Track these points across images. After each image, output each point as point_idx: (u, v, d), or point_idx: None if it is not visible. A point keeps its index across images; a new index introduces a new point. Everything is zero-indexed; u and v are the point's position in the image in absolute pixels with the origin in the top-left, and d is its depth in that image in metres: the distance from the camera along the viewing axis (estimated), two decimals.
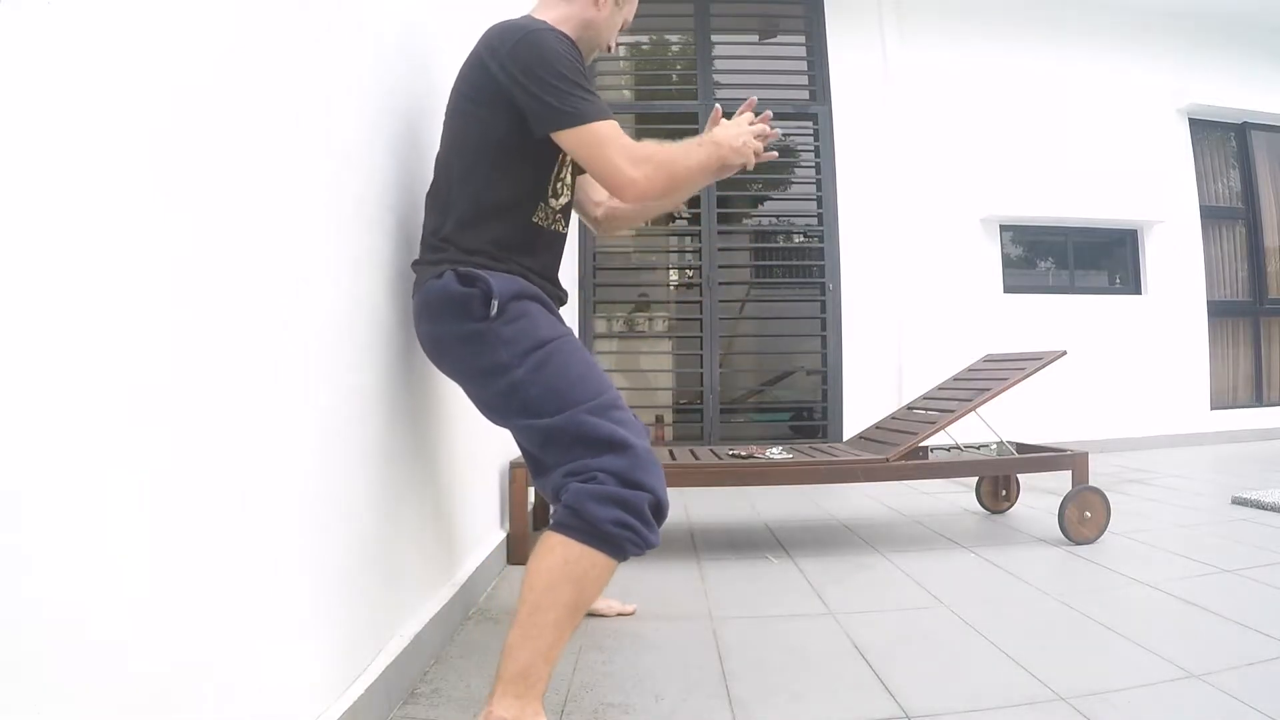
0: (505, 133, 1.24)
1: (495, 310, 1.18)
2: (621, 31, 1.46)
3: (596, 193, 1.61)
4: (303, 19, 0.99)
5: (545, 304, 1.28)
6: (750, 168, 1.35)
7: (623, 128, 1.23)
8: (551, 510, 1.14)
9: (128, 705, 0.65)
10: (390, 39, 1.35)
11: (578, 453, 1.14)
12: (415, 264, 1.31)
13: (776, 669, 1.40)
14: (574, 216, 1.56)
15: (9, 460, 0.54)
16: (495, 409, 1.25)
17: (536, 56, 1.19)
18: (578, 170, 1.44)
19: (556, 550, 1.10)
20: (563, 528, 1.10)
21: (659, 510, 1.15)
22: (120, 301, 0.65)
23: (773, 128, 1.38)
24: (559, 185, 1.34)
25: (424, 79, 1.51)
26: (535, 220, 1.30)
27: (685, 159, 1.27)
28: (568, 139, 1.20)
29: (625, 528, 1.09)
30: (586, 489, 1.10)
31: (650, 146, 1.24)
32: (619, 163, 1.19)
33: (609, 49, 1.45)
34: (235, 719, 0.81)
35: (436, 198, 1.31)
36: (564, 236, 1.43)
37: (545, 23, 1.27)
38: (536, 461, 1.25)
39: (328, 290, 1.07)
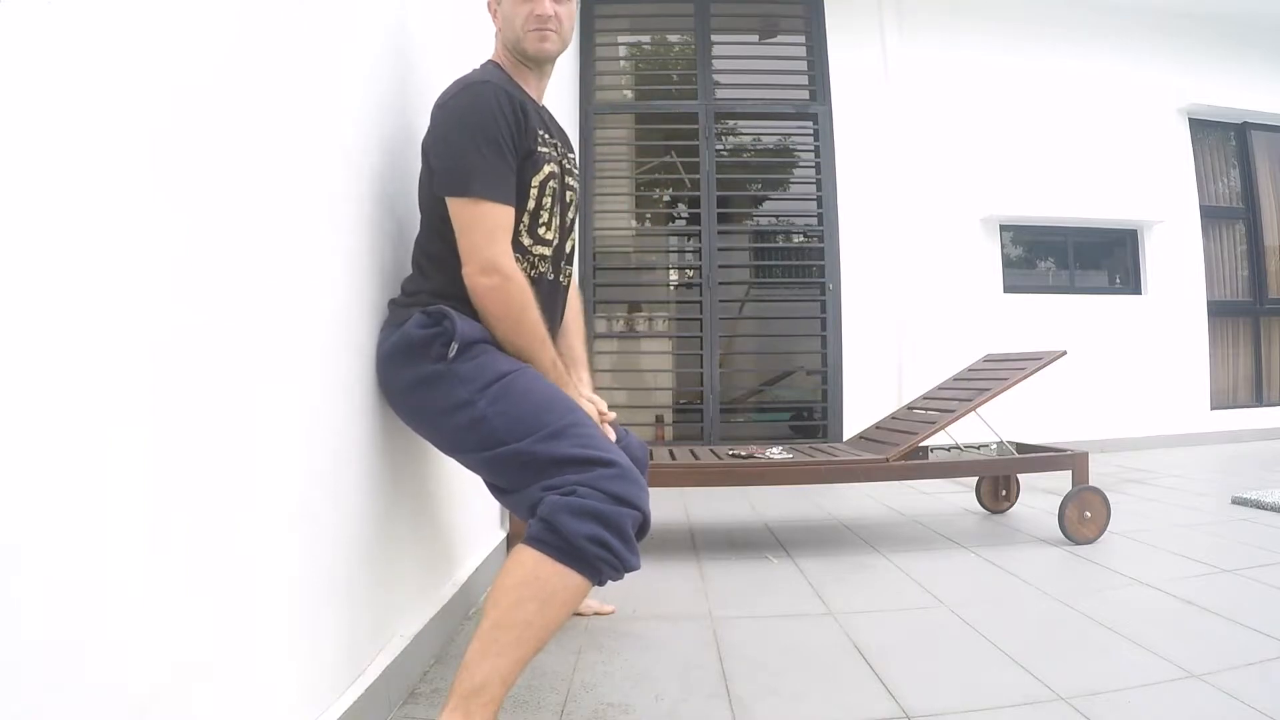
0: None
1: (454, 352, 1.15)
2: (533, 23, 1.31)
3: None
4: (303, 19, 0.99)
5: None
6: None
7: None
8: (527, 525, 1.09)
9: (126, 706, 0.65)
10: (385, 39, 1.35)
11: (558, 471, 1.08)
12: (391, 302, 1.29)
13: (776, 669, 1.40)
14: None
15: (7, 460, 0.54)
16: (459, 446, 1.20)
17: (459, 114, 1.20)
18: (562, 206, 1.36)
19: (526, 565, 1.04)
20: (535, 542, 1.04)
21: (643, 528, 1.10)
22: (120, 301, 0.65)
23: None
24: (539, 229, 1.30)
25: (417, 77, 1.50)
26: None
27: (538, 328, 1.22)
28: (450, 204, 1.19)
29: (602, 545, 1.03)
30: (564, 502, 1.04)
31: (518, 280, 1.19)
32: (479, 247, 1.17)
33: (529, 43, 1.31)
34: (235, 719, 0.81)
35: (414, 250, 1.32)
36: (554, 284, 1.37)
37: (491, 73, 1.28)
38: (504, 492, 1.21)
39: (326, 288, 1.07)
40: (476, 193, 1.17)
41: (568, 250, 1.41)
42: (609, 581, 1.08)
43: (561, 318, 1.45)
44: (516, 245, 1.26)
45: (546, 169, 1.29)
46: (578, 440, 1.11)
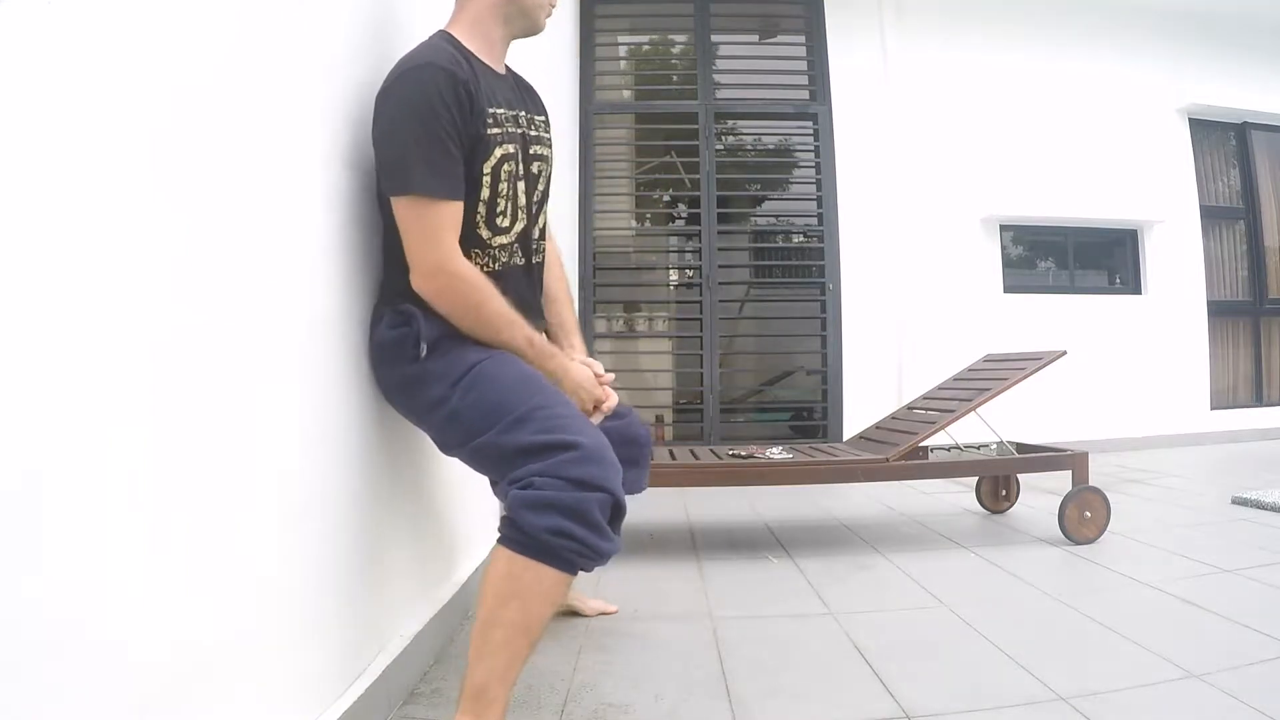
0: None
1: (425, 351, 1.14)
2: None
3: None
4: (301, 19, 0.99)
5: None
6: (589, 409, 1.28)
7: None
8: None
9: (126, 706, 0.65)
10: (378, 40, 1.35)
11: (520, 462, 1.06)
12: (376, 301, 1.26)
13: (776, 669, 1.40)
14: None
15: (7, 460, 0.54)
16: (447, 442, 1.21)
17: (397, 104, 1.12)
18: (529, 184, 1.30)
19: (501, 564, 1.03)
20: (505, 540, 1.04)
21: (616, 511, 1.05)
22: (120, 300, 0.65)
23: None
24: (496, 219, 1.22)
25: None
26: (474, 265, 1.20)
27: (501, 317, 1.17)
28: (393, 204, 1.13)
29: (565, 536, 1.00)
30: (522, 496, 1.02)
31: (467, 278, 1.13)
32: (421, 251, 1.12)
33: (541, 17, 1.31)
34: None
35: (384, 246, 1.27)
36: (526, 268, 1.31)
37: (437, 50, 1.16)
38: (495, 484, 1.22)
39: (324, 287, 1.07)
40: (416, 189, 1.10)
41: (540, 226, 1.35)
42: (594, 568, 1.06)
43: (540, 294, 1.39)
44: (475, 240, 1.20)
45: (498, 152, 1.20)
46: (539, 425, 1.07)
